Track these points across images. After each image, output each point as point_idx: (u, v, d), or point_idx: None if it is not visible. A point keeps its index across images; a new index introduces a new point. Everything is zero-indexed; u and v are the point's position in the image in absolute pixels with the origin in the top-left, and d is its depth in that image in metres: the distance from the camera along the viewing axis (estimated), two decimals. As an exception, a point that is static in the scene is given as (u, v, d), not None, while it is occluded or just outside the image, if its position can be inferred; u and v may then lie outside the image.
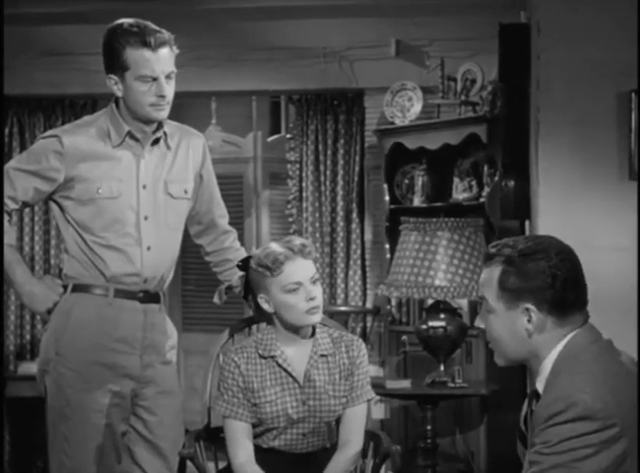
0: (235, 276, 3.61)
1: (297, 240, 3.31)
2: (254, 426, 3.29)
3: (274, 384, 3.27)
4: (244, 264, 3.37)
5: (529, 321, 2.38)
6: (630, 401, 2.30)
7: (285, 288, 3.24)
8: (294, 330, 3.29)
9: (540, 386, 2.41)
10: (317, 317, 3.27)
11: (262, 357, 3.29)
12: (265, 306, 3.29)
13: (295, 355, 3.30)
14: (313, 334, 3.33)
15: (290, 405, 3.27)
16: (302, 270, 3.26)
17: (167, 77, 3.40)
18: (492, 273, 2.41)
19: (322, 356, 3.31)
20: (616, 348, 2.43)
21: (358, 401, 3.32)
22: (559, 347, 2.38)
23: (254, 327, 3.65)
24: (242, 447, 3.27)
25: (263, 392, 3.26)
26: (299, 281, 3.24)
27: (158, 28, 3.40)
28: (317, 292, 3.27)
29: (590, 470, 2.23)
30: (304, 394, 3.27)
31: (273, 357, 3.28)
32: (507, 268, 2.39)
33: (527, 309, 2.38)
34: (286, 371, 3.28)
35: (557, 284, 2.36)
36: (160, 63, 3.37)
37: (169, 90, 3.42)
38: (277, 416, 3.26)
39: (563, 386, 2.29)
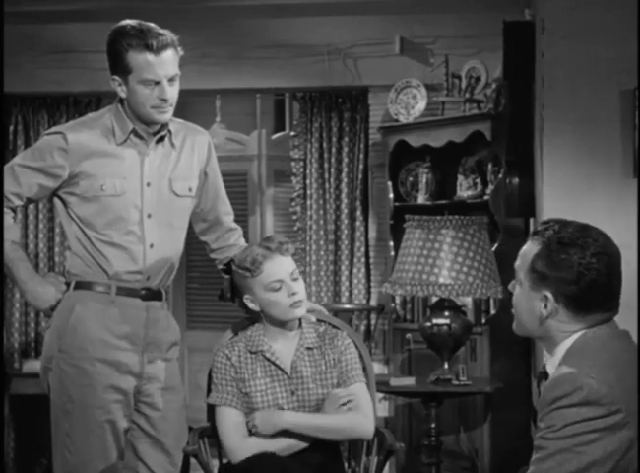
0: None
1: (276, 239, 3.42)
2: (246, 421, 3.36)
3: (264, 376, 3.38)
4: (228, 267, 3.45)
5: (545, 307, 2.40)
6: (637, 389, 2.30)
7: (267, 286, 3.36)
8: (281, 325, 3.42)
9: (550, 368, 2.42)
10: (301, 311, 3.40)
11: (251, 352, 3.41)
12: (251, 306, 3.42)
13: (282, 348, 3.43)
14: (300, 327, 3.45)
15: (280, 396, 3.37)
16: (281, 267, 3.37)
17: (171, 79, 3.39)
18: (530, 250, 2.44)
19: (308, 348, 3.43)
20: (632, 340, 2.44)
21: (353, 381, 3.40)
22: (576, 335, 2.39)
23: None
24: (232, 430, 3.34)
25: (253, 382, 3.37)
26: (280, 278, 3.36)
27: (161, 30, 3.38)
28: (299, 287, 3.39)
29: (595, 455, 2.23)
30: (293, 385, 3.38)
31: (261, 351, 3.40)
32: (542, 251, 2.40)
33: (545, 296, 2.39)
34: (274, 363, 3.39)
35: (582, 283, 2.36)
36: (162, 67, 3.36)
37: (172, 92, 3.41)
38: (267, 406, 3.35)
39: (570, 370, 2.30)
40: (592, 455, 2.23)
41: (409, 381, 5.03)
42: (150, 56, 3.34)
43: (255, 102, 7.99)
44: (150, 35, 3.35)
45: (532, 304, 2.43)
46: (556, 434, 2.25)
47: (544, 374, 2.44)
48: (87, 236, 3.46)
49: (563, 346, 2.40)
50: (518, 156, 5.37)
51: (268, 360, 3.40)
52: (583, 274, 2.36)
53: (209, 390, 3.49)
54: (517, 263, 2.48)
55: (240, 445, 3.32)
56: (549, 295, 2.39)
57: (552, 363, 2.42)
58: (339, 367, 3.41)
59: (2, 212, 3.45)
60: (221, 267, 3.75)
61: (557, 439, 2.25)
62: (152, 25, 3.41)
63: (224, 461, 3.43)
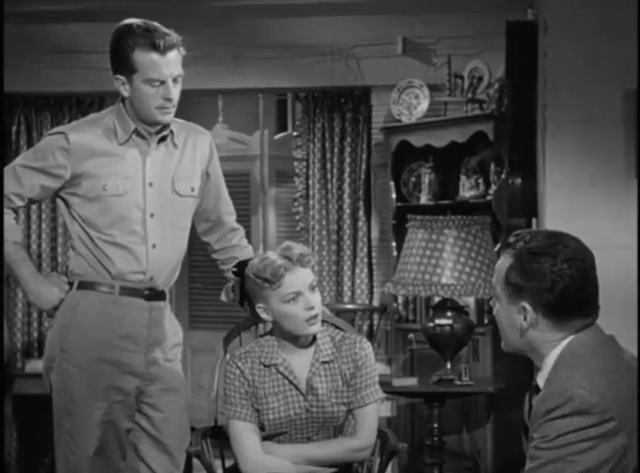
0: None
1: (296, 249, 3.25)
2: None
3: (277, 392, 3.27)
4: (239, 270, 3.36)
5: (525, 319, 2.39)
6: (628, 395, 2.30)
7: (284, 298, 3.22)
8: (294, 339, 3.29)
9: (540, 382, 2.42)
10: (316, 327, 3.26)
11: (265, 365, 3.29)
12: (263, 316, 3.28)
13: (297, 362, 3.29)
14: (314, 340, 3.32)
15: (294, 412, 3.26)
16: (301, 279, 3.23)
17: (174, 80, 3.40)
18: (503, 264, 2.43)
19: (324, 362, 3.30)
20: (619, 344, 2.43)
21: (364, 402, 3.29)
22: (562, 345, 2.38)
23: (260, 326, 3.65)
24: (251, 446, 3.24)
25: (266, 399, 3.26)
26: (298, 290, 3.22)
27: (166, 30, 3.39)
28: (316, 300, 3.25)
29: (588, 464, 2.24)
30: (307, 402, 3.27)
31: (275, 365, 3.28)
32: (514, 263, 2.39)
33: (523, 308, 2.38)
34: (287, 379, 3.27)
35: (556, 290, 2.35)
36: (168, 67, 3.36)
37: (176, 93, 3.42)
38: (279, 423, 3.26)
39: (561, 381, 2.30)
40: (585, 464, 2.23)
41: (411, 382, 5.03)
42: (156, 56, 3.35)
43: (257, 103, 7.99)
44: (157, 35, 3.35)
45: (512, 318, 2.42)
46: (550, 444, 2.25)
47: (536, 389, 2.44)
48: (89, 235, 3.46)
49: (551, 357, 2.39)
50: (520, 156, 5.37)
51: (282, 374, 3.27)
52: (556, 281, 2.34)
53: (217, 392, 3.46)
54: (493, 278, 2.47)
55: (257, 461, 3.23)
56: (527, 306, 2.37)
57: (542, 376, 2.41)
58: (354, 382, 3.28)
59: (2, 212, 3.45)
60: (226, 267, 3.74)
61: (551, 449, 2.25)
62: (157, 24, 3.42)
63: (228, 464, 3.40)
